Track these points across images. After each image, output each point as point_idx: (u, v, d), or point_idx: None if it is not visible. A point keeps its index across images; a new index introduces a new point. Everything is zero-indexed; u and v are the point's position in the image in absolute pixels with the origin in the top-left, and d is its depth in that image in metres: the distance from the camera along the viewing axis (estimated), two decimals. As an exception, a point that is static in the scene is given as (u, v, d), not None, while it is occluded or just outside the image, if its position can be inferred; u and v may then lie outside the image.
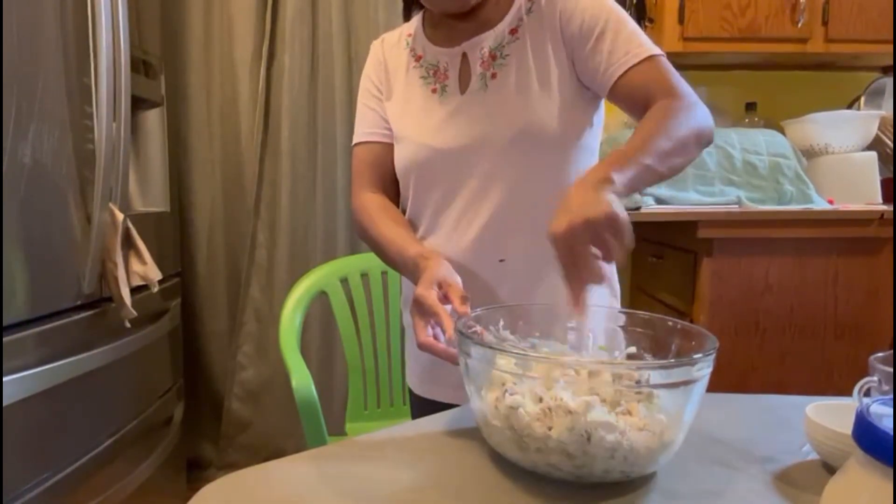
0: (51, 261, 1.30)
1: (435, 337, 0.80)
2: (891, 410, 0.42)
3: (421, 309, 0.81)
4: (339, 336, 1.79)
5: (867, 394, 0.66)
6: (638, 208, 1.88)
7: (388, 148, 1.08)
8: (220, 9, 2.25)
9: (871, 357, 0.67)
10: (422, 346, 0.80)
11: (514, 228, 0.98)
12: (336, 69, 2.24)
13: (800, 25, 2.09)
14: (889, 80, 2.26)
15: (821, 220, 1.82)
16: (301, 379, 1.44)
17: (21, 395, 1.18)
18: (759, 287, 1.83)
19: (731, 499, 0.61)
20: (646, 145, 0.82)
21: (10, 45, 1.16)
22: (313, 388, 1.43)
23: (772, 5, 2.09)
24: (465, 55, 1.01)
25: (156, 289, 1.56)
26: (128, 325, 1.47)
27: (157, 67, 1.88)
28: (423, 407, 1.07)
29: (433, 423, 0.79)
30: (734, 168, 1.95)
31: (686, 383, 0.61)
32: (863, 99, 2.31)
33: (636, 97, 0.93)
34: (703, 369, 0.61)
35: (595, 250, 0.69)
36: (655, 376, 0.62)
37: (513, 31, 0.98)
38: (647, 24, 2.20)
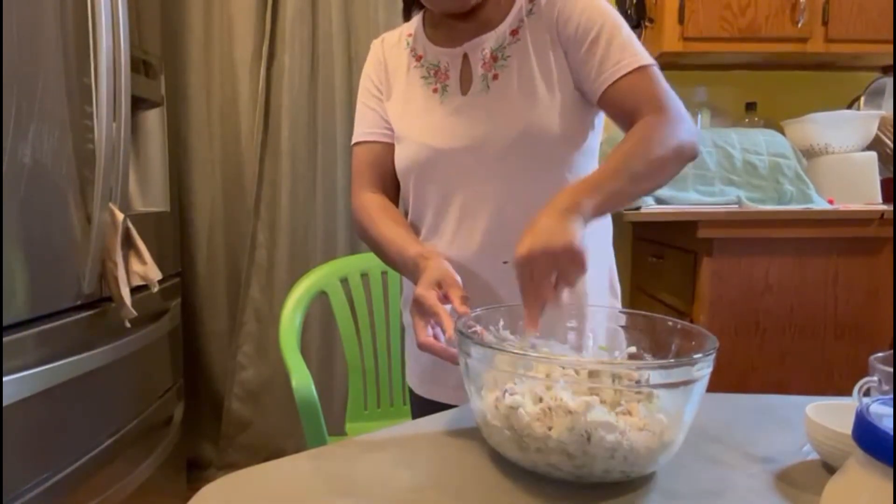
0: (51, 261, 1.30)
1: (435, 337, 0.80)
2: (891, 410, 0.42)
3: (421, 309, 0.81)
4: (339, 336, 1.79)
5: (867, 394, 0.66)
6: (638, 208, 1.88)
7: (388, 148, 1.07)
8: (220, 9, 2.25)
9: (871, 357, 0.67)
10: (422, 346, 0.80)
11: (515, 229, 0.98)
12: (336, 69, 2.24)
13: (800, 25, 2.09)
14: (889, 80, 2.26)
15: (821, 220, 1.82)
16: (301, 379, 1.44)
17: (21, 395, 1.18)
18: (759, 287, 1.83)
19: (731, 499, 0.61)
20: (620, 169, 0.85)
21: (10, 45, 1.16)
22: (313, 388, 1.43)
23: (772, 5, 2.09)
24: (465, 56, 1.01)
25: (156, 289, 1.56)
26: (128, 325, 1.48)
27: (157, 67, 1.88)
28: (423, 407, 1.07)
29: (433, 423, 0.79)
30: (734, 168, 1.95)
31: (686, 383, 0.61)
32: (863, 99, 2.31)
33: (624, 108, 0.93)
34: (703, 369, 0.61)
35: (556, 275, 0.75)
36: (655, 376, 0.62)
37: (514, 33, 0.98)
38: (647, 24, 2.20)
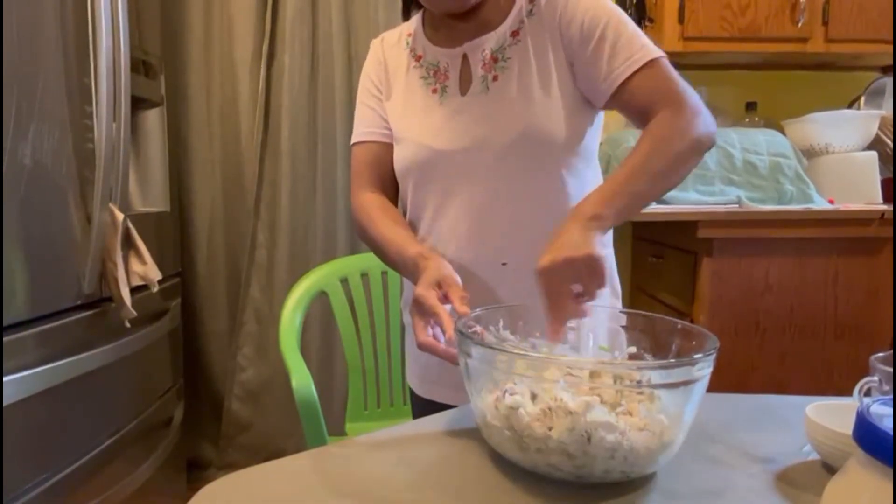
0: (51, 261, 1.30)
1: (435, 337, 0.80)
2: (891, 410, 0.42)
3: (421, 309, 0.81)
4: (339, 336, 1.79)
5: (867, 394, 0.66)
6: (638, 208, 1.87)
7: (388, 148, 1.07)
8: (220, 9, 2.25)
9: (872, 357, 0.67)
10: (422, 347, 0.80)
11: (515, 230, 0.98)
12: (336, 69, 2.24)
13: (800, 25, 2.09)
14: (889, 80, 2.26)
15: (821, 220, 1.82)
16: (301, 379, 1.44)
17: (21, 395, 1.18)
18: (759, 287, 1.83)
19: (731, 499, 0.61)
20: (639, 170, 0.85)
21: (10, 45, 1.16)
22: (313, 388, 1.43)
23: (772, 5, 2.09)
24: (465, 56, 1.00)
25: (156, 289, 1.56)
26: (128, 325, 1.47)
27: (157, 67, 1.88)
28: (423, 407, 1.07)
29: (433, 423, 0.79)
30: (734, 168, 1.95)
31: (686, 383, 0.61)
32: (863, 99, 2.31)
33: (638, 104, 0.93)
34: (703, 369, 0.61)
35: (577, 287, 0.76)
36: (656, 376, 0.62)
37: (514, 34, 0.98)
38: (647, 23, 2.20)
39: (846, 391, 0.69)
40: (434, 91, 1.02)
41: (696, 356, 0.61)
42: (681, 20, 2.10)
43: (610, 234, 1.10)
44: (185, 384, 2.13)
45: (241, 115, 2.29)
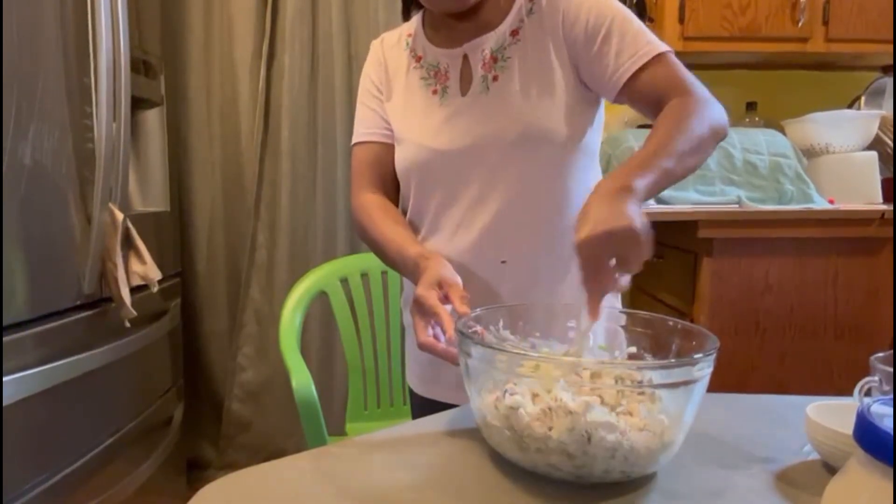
0: (51, 261, 1.30)
1: (435, 337, 0.80)
2: (891, 410, 0.42)
3: (421, 309, 0.81)
4: (339, 336, 1.79)
5: (868, 394, 0.66)
6: (638, 208, 1.87)
7: (388, 148, 1.07)
8: (220, 9, 2.25)
9: (872, 357, 0.67)
10: (422, 347, 0.80)
11: (515, 230, 0.98)
12: (336, 69, 2.24)
13: (800, 25, 2.09)
14: (889, 80, 2.26)
15: (821, 220, 1.82)
16: (301, 379, 1.44)
17: (21, 395, 1.18)
18: (759, 287, 1.83)
19: (731, 499, 0.61)
20: (665, 146, 0.82)
21: (10, 45, 1.16)
22: (313, 388, 1.43)
23: (772, 5, 2.09)
24: (465, 57, 1.00)
25: (156, 289, 1.56)
26: (128, 325, 1.47)
27: (157, 67, 1.88)
28: (423, 407, 1.07)
29: (433, 423, 0.79)
30: (734, 168, 1.95)
31: (687, 383, 0.61)
32: (863, 99, 2.31)
33: (649, 98, 0.92)
34: (703, 369, 0.61)
35: (615, 260, 0.72)
36: (656, 376, 0.62)
37: (514, 33, 0.98)
38: (646, 23, 2.20)
39: (846, 391, 0.69)
40: (434, 92, 1.02)
41: (696, 356, 0.61)
42: (681, 20, 2.10)
43: None
44: (185, 384, 2.13)
45: (241, 115, 2.29)
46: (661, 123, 0.87)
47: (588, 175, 1.02)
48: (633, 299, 2.39)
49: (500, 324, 0.78)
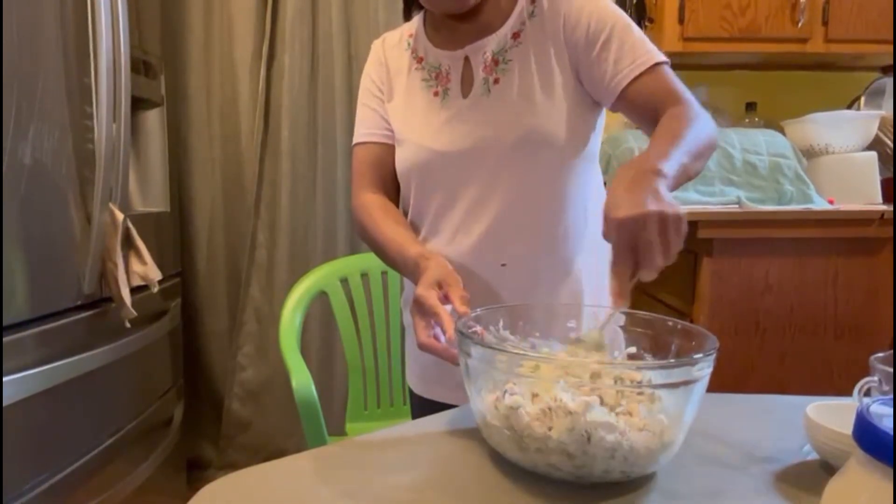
0: (51, 261, 1.30)
1: (435, 337, 0.80)
2: (891, 410, 0.42)
3: (421, 309, 0.81)
4: (339, 336, 1.79)
5: (867, 394, 0.66)
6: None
7: (389, 149, 1.07)
8: (220, 9, 2.25)
9: (872, 357, 0.67)
10: (422, 347, 0.80)
11: (515, 233, 0.98)
12: (336, 69, 2.24)
13: (800, 25, 2.09)
14: (889, 80, 2.26)
15: (821, 220, 1.82)
16: (301, 379, 1.44)
17: (21, 395, 1.18)
18: (759, 287, 1.83)
19: (731, 499, 0.61)
20: (678, 144, 0.80)
21: (10, 45, 1.16)
22: (313, 388, 1.43)
23: (772, 5, 2.09)
24: (467, 59, 1.00)
25: (156, 289, 1.56)
26: (128, 325, 1.47)
27: (157, 67, 1.88)
28: (423, 407, 1.07)
29: (433, 423, 0.79)
30: (734, 168, 1.95)
31: (686, 383, 0.61)
32: (863, 99, 2.31)
33: (644, 106, 0.92)
34: (703, 369, 0.61)
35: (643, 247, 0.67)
36: (656, 376, 0.62)
37: (515, 36, 0.98)
38: (647, 24, 2.20)
39: (846, 391, 0.69)
40: (436, 93, 1.02)
41: (696, 356, 0.61)
42: (681, 20, 2.10)
43: None
44: (185, 384, 2.13)
45: (241, 115, 2.29)
46: (668, 125, 0.86)
47: (588, 178, 1.02)
48: (633, 299, 2.39)
49: (500, 324, 0.78)
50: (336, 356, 2.30)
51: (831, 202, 1.95)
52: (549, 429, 0.60)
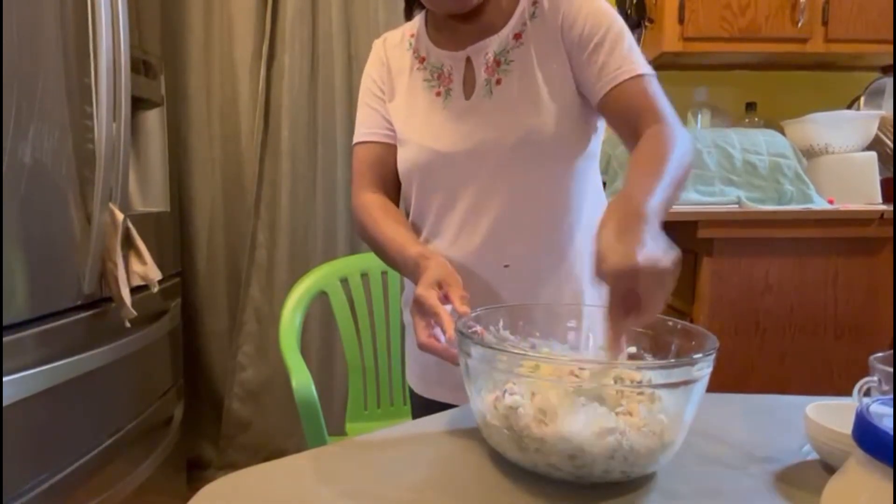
0: (51, 261, 1.30)
1: (435, 337, 0.80)
2: (891, 410, 0.42)
3: (421, 309, 0.81)
4: (339, 336, 1.79)
5: (867, 394, 0.66)
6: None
7: (390, 148, 1.07)
8: (220, 9, 2.25)
9: (871, 357, 0.67)
10: (422, 347, 0.80)
11: (516, 234, 0.98)
12: (336, 69, 2.24)
13: (800, 25, 2.09)
14: (889, 80, 2.26)
15: (821, 220, 1.82)
16: (301, 379, 1.44)
17: (21, 395, 1.18)
18: (759, 287, 1.83)
19: (731, 499, 0.61)
20: (665, 174, 0.78)
21: (10, 45, 1.16)
22: (313, 388, 1.43)
23: (772, 5, 2.09)
24: (469, 59, 1.00)
25: (156, 289, 1.56)
26: (128, 325, 1.47)
27: (157, 67, 1.88)
28: (423, 407, 1.07)
29: (433, 423, 0.79)
30: (734, 168, 1.95)
31: (686, 383, 0.61)
32: (863, 99, 2.31)
33: (622, 114, 0.93)
34: (703, 369, 0.61)
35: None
36: (656, 376, 0.62)
37: (517, 37, 0.98)
38: (647, 24, 2.20)
39: (846, 391, 0.69)
40: (438, 94, 1.02)
41: (696, 356, 0.61)
42: (681, 20, 2.10)
43: None
44: (185, 384, 2.13)
45: (241, 115, 2.29)
46: (649, 152, 0.84)
47: (588, 179, 1.02)
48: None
49: (500, 324, 0.78)
50: (336, 356, 2.30)
51: (831, 202, 1.95)
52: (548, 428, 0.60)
